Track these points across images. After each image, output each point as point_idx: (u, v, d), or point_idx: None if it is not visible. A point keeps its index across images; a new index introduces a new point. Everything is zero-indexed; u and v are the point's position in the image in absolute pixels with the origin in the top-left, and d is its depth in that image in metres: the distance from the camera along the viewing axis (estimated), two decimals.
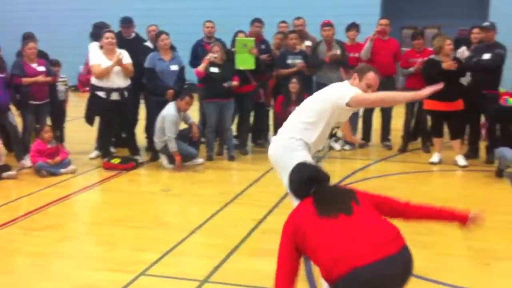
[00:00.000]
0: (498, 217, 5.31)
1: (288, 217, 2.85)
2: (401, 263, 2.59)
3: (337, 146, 8.36)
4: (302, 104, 4.18)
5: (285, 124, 4.18)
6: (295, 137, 4.02)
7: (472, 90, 7.40)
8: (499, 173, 6.76)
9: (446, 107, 7.14)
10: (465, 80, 7.50)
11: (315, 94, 4.18)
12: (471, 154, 7.63)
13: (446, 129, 7.57)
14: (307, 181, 2.91)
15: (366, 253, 2.50)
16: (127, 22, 7.97)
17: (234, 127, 8.15)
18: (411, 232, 4.45)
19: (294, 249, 2.73)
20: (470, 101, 7.28)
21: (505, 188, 6.35)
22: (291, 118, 4.17)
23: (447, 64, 7.01)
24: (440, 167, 7.25)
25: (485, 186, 6.49)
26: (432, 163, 7.33)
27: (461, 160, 7.30)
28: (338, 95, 3.90)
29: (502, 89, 8.14)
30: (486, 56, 7.37)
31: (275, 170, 4.20)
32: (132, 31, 8.04)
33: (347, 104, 3.81)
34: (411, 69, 7.92)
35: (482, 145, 7.77)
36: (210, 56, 7.40)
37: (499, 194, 6.14)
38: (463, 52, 8.09)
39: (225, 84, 7.41)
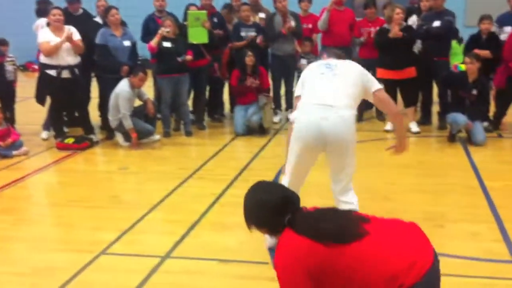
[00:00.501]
0: (451, 181, 5.49)
1: (283, 262, 2.34)
2: (437, 260, 2.46)
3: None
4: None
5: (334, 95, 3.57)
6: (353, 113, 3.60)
7: (423, 58, 7.52)
8: (451, 138, 6.93)
9: (397, 75, 7.24)
10: (417, 47, 7.61)
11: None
12: (424, 120, 7.80)
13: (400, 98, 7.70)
14: (282, 205, 2.42)
15: (423, 257, 2.34)
16: None
17: (190, 102, 8.07)
18: (365, 198, 4.57)
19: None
20: (421, 68, 7.40)
21: (457, 152, 6.53)
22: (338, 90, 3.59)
23: (392, 32, 7.09)
24: (394, 134, 7.37)
25: (438, 151, 6.66)
26: (387, 131, 7.45)
27: (414, 127, 7.45)
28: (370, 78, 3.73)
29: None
30: (436, 23, 7.49)
31: (341, 154, 3.62)
32: (79, 7, 7.82)
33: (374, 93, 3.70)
34: (362, 39, 7.99)
35: (435, 111, 7.94)
36: (162, 31, 7.27)
37: (452, 159, 6.31)
38: (414, 21, 8.19)
39: (179, 59, 7.32)
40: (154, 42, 7.26)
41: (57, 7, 7.04)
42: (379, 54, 7.52)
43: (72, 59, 6.94)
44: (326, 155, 3.68)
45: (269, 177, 5.32)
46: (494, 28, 7.49)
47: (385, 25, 7.42)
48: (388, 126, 7.52)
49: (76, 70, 7.00)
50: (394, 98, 7.58)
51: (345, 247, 2.27)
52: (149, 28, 7.95)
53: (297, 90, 3.80)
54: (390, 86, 7.46)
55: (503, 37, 7.46)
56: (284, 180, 3.79)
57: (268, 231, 2.55)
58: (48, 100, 7.30)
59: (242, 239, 4.11)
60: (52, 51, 6.79)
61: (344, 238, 2.29)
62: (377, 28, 7.90)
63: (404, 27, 7.21)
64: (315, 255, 2.27)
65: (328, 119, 3.49)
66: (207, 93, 8.40)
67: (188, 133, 7.63)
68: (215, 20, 8.17)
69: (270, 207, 2.43)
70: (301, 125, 3.59)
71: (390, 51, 7.20)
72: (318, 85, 3.65)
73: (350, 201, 3.75)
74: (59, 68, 6.87)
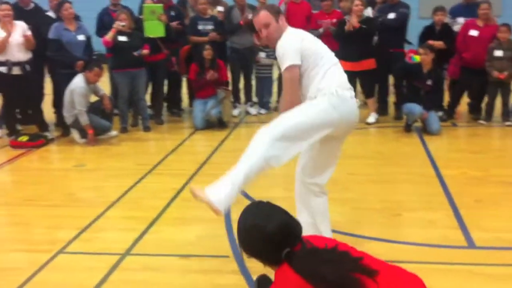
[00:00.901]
0: (408, 170, 5.59)
1: None
2: None
3: (253, 110, 8.41)
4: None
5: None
6: None
7: (379, 49, 7.61)
8: (407, 128, 7.05)
9: (357, 67, 7.31)
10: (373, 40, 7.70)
11: None
12: (381, 111, 7.91)
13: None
14: (281, 236, 2.14)
15: None
16: None
17: (148, 97, 7.97)
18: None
19: None
20: (377, 59, 7.49)
21: (413, 142, 6.64)
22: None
23: (349, 24, 7.16)
24: None
25: (394, 142, 6.77)
26: (368, 123, 7.53)
27: (370, 118, 7.55)
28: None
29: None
30: (391, 15, 7.60)
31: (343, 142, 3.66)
32: (30, 1, 7.60)
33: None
34: (320, 30, 8.04)
35: (391, 101, 8.07)
36: (117, 25, 7.15)
37: (408, 149, 6.42)
38: (369, 13, 8.28)
39: (135, 53, 7.21)
40: (109, 36, 7.13)
41: (5, 2, 6.85)
42: (339, 46, 7.58)
43: (22, 55, 6.76)
44: (328, 143, 3.51)
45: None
46: (447, 20, 7.64)
47: (346, 17, 7.48)
48: (371, 118, 7.59)
49: (27, 67, 6.83)
50: (354, 88, 7.66)
51: None
52: (104, 22, 7.80)
53: (293, 59, 3.42)
54: (349, 78, 7.52)
55: (456, 28, 7.63)
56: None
57: (262, 262, 2.24)
58: (0, 97, 7.10)
59: (203, 233, 4.10)
60: (1, 48, 6.60)
61: None
62: (334, 20, 7.99)
63: (363, 19, 7.27)
64: None
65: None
66: (165, 88, 8.32)
67: (146, 128, 7.54)
68: (173, 13, 8.09)
69: (267, 237, 2.13)
70: (348, 100, 3.44)
71: (349, 43, 7.26)
72: (338, 64, 3.56)
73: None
74: (9, 64, 6.68)
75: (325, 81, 3.44)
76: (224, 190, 3.13)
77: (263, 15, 3.56)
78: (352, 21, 7.14)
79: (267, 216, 2.18)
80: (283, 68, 3.47)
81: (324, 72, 3.47)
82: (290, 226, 2.19)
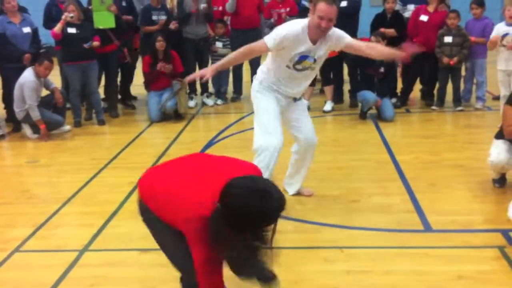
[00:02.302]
0: (364, 156, 5.67)
1: None
2: None
3: (209, 101, 8.36)
4: None
5: None
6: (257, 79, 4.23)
7: None
8: (363, 115, 7.15)
9: None
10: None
11: None
12: (336, 99, 7.98)
13: None
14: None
15: None
16: None
17: (101, 90, 7.82)
18: (282, 177, 4.63)
19: None
20: None
21: (369, 129, 6.74)
22: None
23: None
24: (309, 113, 7.49)
25: (351, 129, 6.85)
26: (324, 112, 7.59)
27: (326, 106, 7.62)
28: None
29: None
30: (343, 3, 7.65)
31: None
32: None
33: None
34: (272, 20, 8.04)
35: (346, 89, 8.16)
36: (65, 16, 6.97)
37: (364, 135, 6.51)
38: None
39: (86, 45, 7.05)
40: (57, 28, 6.95)
41: None
42: None
43: None
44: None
45: None
46: (398, 7, 7.76)
47: (306, 4, 7.48)
48: (328, 106, 7.62)
49: None
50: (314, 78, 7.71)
51: None
52: (52, 13, 7.60)
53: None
54: None
55: (407, 14, 7.76)
56: None
57: None
58: None
59: None
60: None
61: None
62: (287, 9, 7.99)
63: None
64: None
65: None
66: (118, 80, 8.18)
67: (101, 122, 7.41)
68: (124, 4, 7.94)
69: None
70: None
71: None
72: None
73: None
74: None
75: None
76: None
77: (335, 10, 3.82)
78: None
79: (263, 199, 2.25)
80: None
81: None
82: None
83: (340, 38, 4.08)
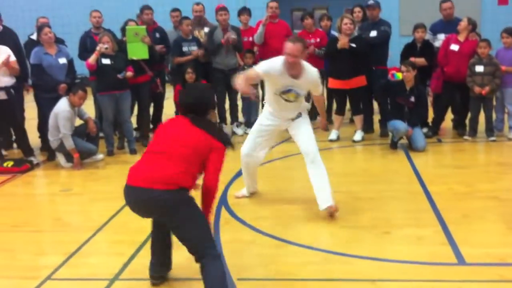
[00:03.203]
0: (395, 187, 5.61)
1: None
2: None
3: (239, 131, 8.41)
4: None
5: None
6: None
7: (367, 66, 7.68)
8: (393, 145, 7.09)
9: (347, 84, 7.38)
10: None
11: None
12: (366, 128, 7.94)
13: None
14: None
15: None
16: None
17: (133, 119, 7.95)
18: (311, 206, 4.60)
19: None
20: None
21: (399, 159, 6.68)
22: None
23: (340, 43, 7.23)
24: (339, 143, 7.50)
25: (381, 159, 6.80)
26: (331, 141, 7.55)
27: (356, 136, 7.59)
28: None
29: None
30: (373, 33, 7.70)
31: None
32: (0, 24, 7.56)
33: None
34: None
35: (376, 119, 8.12)
36: (100, 47, 7.15)
37: (395, 165, 6.45)
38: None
39: (119, 75, 7.20)
40: (92, 59, 7.12)
41: None
42: (330, 63, 7.66)
43: (8, 80, 6.77)
44: None
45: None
46: (428, 36, 7.75)
47: (336, 35, 7.54)
48: (332, 135, 7.63)
49: (12, 91, 6.79)
50: (344, 106, 7.72)
51: None
52: (87, 45, 7.81)
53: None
54: (340, 95, 7.62)
55: (437, 44, 7.74)
56: None
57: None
58: None
59: (189, 255, 4.06)
60: None
61: None
62: (317, 39, 8.05)
63: (353, 38, 7.33)
64: None
65: None
66: (151, 109, 8.30)
67: (133, 151, 7.50)
68: (157, 35, 8.11)
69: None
70: None
71: (340, 61, 7.33)
72: None
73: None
74: None
75: None
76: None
77: (298, 46, 4.61)
78: (343, 41, 7.20)
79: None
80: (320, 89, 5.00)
81: None
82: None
83: (313, 83, 4.87)
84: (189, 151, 3.35)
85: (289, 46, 4.60)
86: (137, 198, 3.39)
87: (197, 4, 8.66)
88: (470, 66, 7.19)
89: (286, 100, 4.82)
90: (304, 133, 4.92)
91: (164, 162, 3.34)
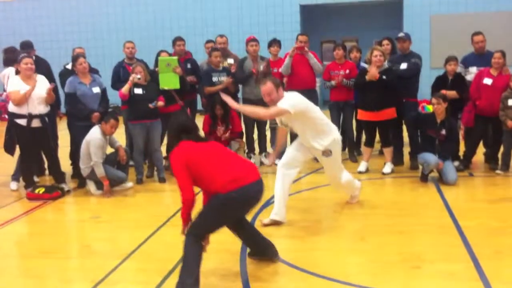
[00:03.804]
0: (426, 221, 5.51)
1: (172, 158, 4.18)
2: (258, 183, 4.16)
3: (267, 161, 8.41)
4: None
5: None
6: None
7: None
8: (424, 178, 7.00)
9: (376, 116, 7.35)
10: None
11: None
12: (396, 161, 7.86)
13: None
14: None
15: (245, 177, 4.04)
16: (28, 46, 7.71)
17: (163, 148, 8.02)
18: (341, 240, 4.54)
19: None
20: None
21: (430, 192, 6.58)
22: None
23: (370, 74, 7.23)
24: (368, 175, 7.43)
25: (411, 192, 6.70)
26: (360, 172, 7.49)
27: (386, 168, 7.51)
28: None
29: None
30: (403, 65, 7.67)
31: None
32: (34, 53, 7.75)
33: None
34: (333, 82, 8.10)
35: (406, 151, 8.04)
36: (133, 77, 7.29)
37: (425, 199, 6.35)
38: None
39: (151, 105, 7.31)
40: (125, 89, 7.25)
41: (28, 56, 7.00)
42: (359, 95, 7.65)
43: (43, 108, 6.90)
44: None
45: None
46: (459, 69, 7.70)
47: (366, 66, 7.55)
48: (361, 167, 7.58)
49: (46, 119, 6.94)
50: (373, 138, 7.68)
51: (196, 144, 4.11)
52: (119, 74, 7.97)
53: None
54: (369, 127, 7.58)
55: (469, 77, 7.67)
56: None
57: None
58: (17, 150, 7.18)
59: (215, 283, 4.04)
60: (22, 100, 6.74)
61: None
62: (347, 71, 8.06)
63: (383, 70, 7.33)
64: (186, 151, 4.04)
65: None
66: None
67: (162, 180, 7.56)
68: (189, 66, 8.24)
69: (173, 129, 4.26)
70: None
71: (369, 93, 7.31)
72: None
73: None
74: (29, 117, 6.79)
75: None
76: None
77: (269, 86, 5.21)
78: (372, 72, 7.20)
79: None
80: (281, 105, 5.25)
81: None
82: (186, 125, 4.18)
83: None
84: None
85: (261, 89, 5.28)
86: (261, 189, 4.12)
87: (221, 36, 8.82)
88: (503, 99, 7.10)
89: (287, 126, 5.61)
90: (328, 169, 5.78)
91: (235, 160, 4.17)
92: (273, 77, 5.66)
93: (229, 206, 3.98)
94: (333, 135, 5.51)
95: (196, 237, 3.98)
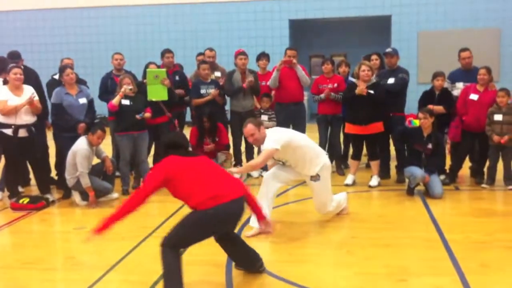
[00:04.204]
0: (412, 234, 5.51)
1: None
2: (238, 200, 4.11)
3: (254, 173, 8.40)
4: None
5: None
6: None
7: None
8: (410, 192, 7.02)
9: (364, 130, 7.38)
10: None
11: None
12: (383, 174, 7.89)
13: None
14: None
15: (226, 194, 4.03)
16: (15, 57, 7.67)
17: (150, 160, 7.99)
18: (326, 253, 4.53)
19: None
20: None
21: (416, 206, 6.60)
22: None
23: (358, 89, 7.26)
24: (354, 188, 7.44)
25: (397, 205, 6.72)
26: (347, 185, 7.51)
27: (373, 181, 7.53)
28: None
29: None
30: (391, 80, 7.73)
31: None
32: (22, 63, 7.71)
33: None
34: (322, 96, 8.13)
35: (392, 165, 8.07)
36: (125, 89, 7.27)
37: (411, 212, 6.37)
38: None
39: (138, 116, 7.29)
40: (115, 100, 7.24)
41: (17, 66, 6.96)
42: (347, 109, 7.68)
43: (30, 118, 6.86)
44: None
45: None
46: (446, 84, 7.76)
47: (354, 81, 7.59)
48: (348, 180, 7.60)
49: (33, 129, 6.89)
50: (361, 151, 7.71)
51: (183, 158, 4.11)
52: (107, 86, 7.95)
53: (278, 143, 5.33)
54: (357, 140, 7.61)
55: (455, 92, 7.73)
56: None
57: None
58: (2, 159, 7.11)
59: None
60: (11, 112, 6.69)
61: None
62: (335, 84, 8.10)
63: (371, 84, 7.36)
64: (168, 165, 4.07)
65: None
66: None
67: None
68: (177, 78, 8.25)
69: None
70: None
71: (358, 107, 7.35)
72: None
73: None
74: (16, 127, 6.74)
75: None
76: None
77: (250, 127, 5.32)
78: (361, 87, 7.24)
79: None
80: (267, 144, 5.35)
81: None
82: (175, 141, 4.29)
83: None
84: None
85: (243, 131, 5.44)
86: (241, 206, 4.10)
87: (210, 50, 8.85)
88: (489, 115, 7.17)
89: (284, 163, 5.71)
90: (316, 196, 5.81)
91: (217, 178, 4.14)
92: (252, 118, 5.84)
93: (206, 222, 3.96)
94: (323, 160, 5.66)
95: (172, 249, 3.98)
